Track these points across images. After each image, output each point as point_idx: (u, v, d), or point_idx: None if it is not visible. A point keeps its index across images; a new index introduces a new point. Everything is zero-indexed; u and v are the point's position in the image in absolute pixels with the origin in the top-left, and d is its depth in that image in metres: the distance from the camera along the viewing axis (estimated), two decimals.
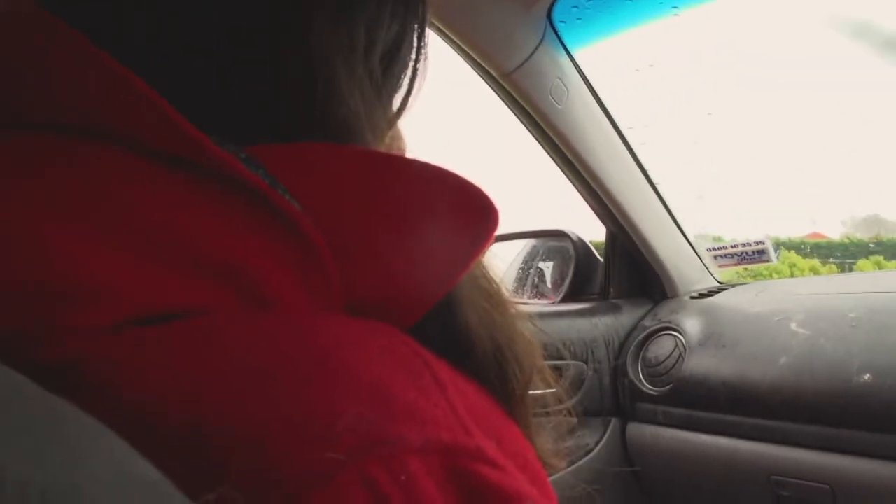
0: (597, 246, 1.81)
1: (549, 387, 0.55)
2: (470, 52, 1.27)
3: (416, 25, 0.49)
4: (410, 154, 0.45)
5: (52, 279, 0.32)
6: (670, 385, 1.47)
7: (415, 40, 0.49)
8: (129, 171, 0.35)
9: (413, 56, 0.49)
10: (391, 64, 0.48)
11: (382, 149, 0.48)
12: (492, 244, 0.44)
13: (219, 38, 0.39)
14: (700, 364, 1.44)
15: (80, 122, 0.36)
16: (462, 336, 0.47)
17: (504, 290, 0.50)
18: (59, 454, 0.23)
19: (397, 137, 0.51)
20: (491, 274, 0.49)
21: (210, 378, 0.30)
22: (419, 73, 0.50)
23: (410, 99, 0.50)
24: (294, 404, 0.30)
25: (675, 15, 1.32)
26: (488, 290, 0.48)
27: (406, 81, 0.49)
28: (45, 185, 0.34)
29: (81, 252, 0.33)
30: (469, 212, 0.42)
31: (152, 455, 0.26)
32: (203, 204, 0.36)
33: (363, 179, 0.40)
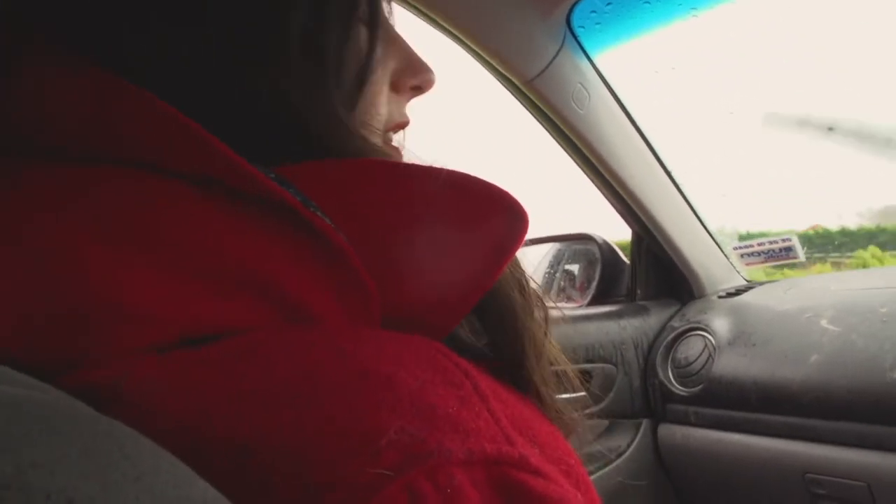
0: (621, 246, 1.80)
1: (580, 390, 0.55)
2: (491, 60, 1.27)
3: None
4: (439, 162, 0.45)
5: (97, 305, 0.33)
6: (701, 385, 1.46)
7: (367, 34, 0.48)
8: (166, 195, 0.36)
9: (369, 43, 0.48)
10: (360, 69, 0.47)
11: (380, 134, 0.49)
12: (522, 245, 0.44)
13: (204, 73, 0.40)
14: (730, 363, 1.43)
15: (116, 152, 0.37)
16: (497, 340, 0.48)
17: (535, 292, 0.50)
18: (123, 475, 0.24)
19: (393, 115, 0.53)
20: (523, 275, 0.49)
21: (254, 396, 0.31)
22: (376, 45, 0.48)
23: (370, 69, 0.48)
24: (338, 420, 0.30)
25: (694, 17, 1.32)
26: (521, 292, 0.48)
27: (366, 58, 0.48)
28: (85, 213, 0.35)
29: (124, 277, 0.34)
30: (499, 216, 0.43)
31: (200, 472, 0.27)
32: (240, 225, 0.37)
33: (392, 193, 0.40)
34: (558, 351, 0.52)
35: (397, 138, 0.56)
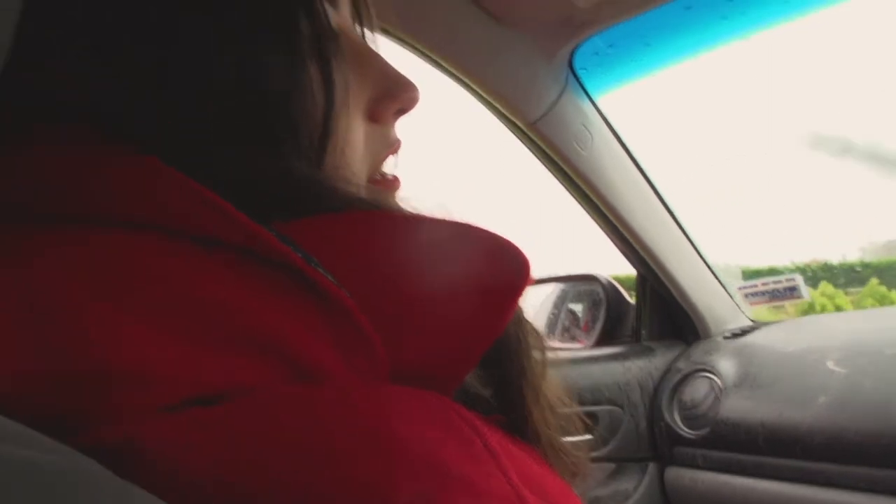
0: (622, 280, 1.80)
1: (584, 433, 0.54)
2: (495, 103, 1.29)
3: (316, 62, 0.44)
4: (441, 212, 0.44)
5: (101, 364, 0.32)
6: (707, 428, 1.45)
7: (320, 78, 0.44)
8: (170, 254, 0.36)
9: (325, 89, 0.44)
10: (320, 124, 0.44)
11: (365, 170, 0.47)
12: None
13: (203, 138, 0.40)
14: (737, 406, 1.41)
15: (115, 213, 0.37)
16: (501, 390, 0.47)
17: (534, 330, 0.49)
18: None
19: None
20: (524, 322, 0.48)
21: (265, 458, 0.30)
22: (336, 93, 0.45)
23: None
24: (350, 482, 0.30)
25: (696, 58, 1.34)
26: (518, 331, 0.47)
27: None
28: (88, 271, 0.35)
29: (127, 337, 0.33)
30: (502, 267, 0.42)
31: None
32: (243, 282, 0.36)
33: (394, 246, 0.40)
34: (558, 388, 0.51)
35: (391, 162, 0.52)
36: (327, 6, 0.46)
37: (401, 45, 1.13)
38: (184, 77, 0.40)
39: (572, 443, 0.51)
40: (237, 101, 0.41)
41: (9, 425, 0.27)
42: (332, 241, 0.39)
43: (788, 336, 1.53)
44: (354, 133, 0.47)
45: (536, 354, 0.48)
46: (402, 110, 0.51)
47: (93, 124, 0.39)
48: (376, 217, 0.41)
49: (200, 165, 0.38)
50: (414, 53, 1.15)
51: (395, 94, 0.49)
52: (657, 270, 1.59)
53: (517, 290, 0.42)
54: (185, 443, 0.31)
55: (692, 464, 1.48)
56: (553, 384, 0.50)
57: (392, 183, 0.52)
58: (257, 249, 0.36)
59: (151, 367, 0.33)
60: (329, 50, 0.44)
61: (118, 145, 0.37)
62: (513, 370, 0.46)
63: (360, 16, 0.54)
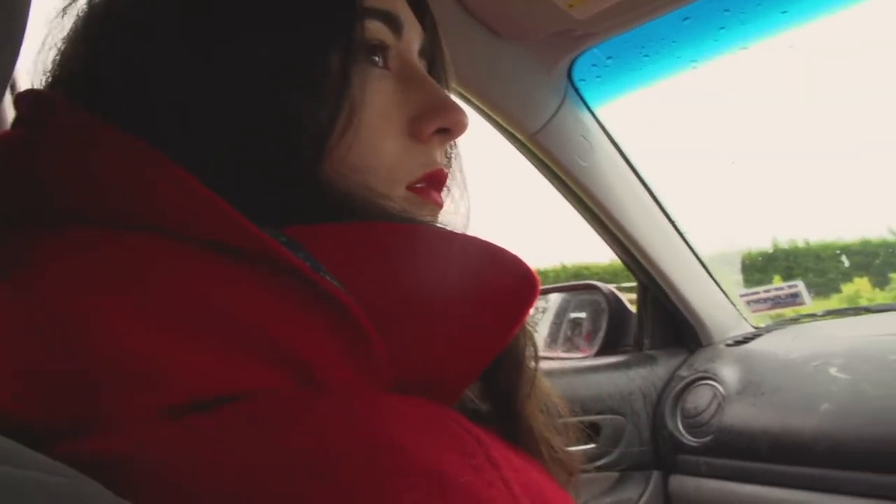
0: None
1: (588, 443, 0.55)
2: (495, 116, 1.30)
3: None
4: (450, 226, 0.45)
5: (105, 365, 0.33)
6: (711, 435, 1.44)
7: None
8: (177, 257, 0.36)
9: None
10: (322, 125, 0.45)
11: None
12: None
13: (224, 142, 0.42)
14: (740, 413, 1.41)
15: (128, 215, 0.37)
16: (502, 402, 0.47)
17: (536, 351, 0.49)
18: None
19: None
20: (529, 336, 0.48)
21: (267, 468, 0.31)
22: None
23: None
24: (351, 494, 0.30)
25: (694, 68, 1.34)
26: (527, 354, 0.48)
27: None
28: (93, 272, 0.35)
29: (130, 337, 0.33)
30: (509, 281, 0.43)
31: None
32: (249, 287, 0.36)
33: (402, 256, 0.41)
34: (558, 399, 0.52)
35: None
36: (379, 25, 0.49)
37: None
38: (210, 90, 0.42)
39: (570, 451, 0.51)
40: (255, 111, 0.43)
41: (6, 444, 0.27)
42: (341, 249, 0.40)
43: (791, 343, 1.53)
44: (387, 146, 0.48)
45: (533, 366, 0.48)
46: (445, 130, 0.52)
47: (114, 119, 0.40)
48: (385, 227, 0.42)
49: (218, 171, 0.39)
50: None
51: (437, 112, 0.50)
52: (658, 279, 1.60)
53: (525, 306, 0.43)
54: (184, 453, 0.31)
55: (696, 472, 1.47)
56: (553, 395, 0.50)
57: (427, 193, 0.52)
58: (264, 254, 0.36)
59: (158, 368, 0.33)
60: (353, 66, 0.46)
61: (130, 139, 0.38)
62: (516, 382, 0.47)
63: (433, 55, 0.57)
